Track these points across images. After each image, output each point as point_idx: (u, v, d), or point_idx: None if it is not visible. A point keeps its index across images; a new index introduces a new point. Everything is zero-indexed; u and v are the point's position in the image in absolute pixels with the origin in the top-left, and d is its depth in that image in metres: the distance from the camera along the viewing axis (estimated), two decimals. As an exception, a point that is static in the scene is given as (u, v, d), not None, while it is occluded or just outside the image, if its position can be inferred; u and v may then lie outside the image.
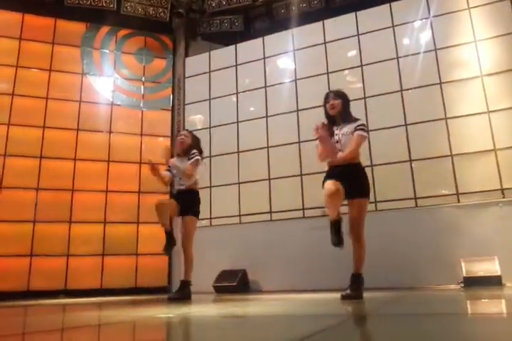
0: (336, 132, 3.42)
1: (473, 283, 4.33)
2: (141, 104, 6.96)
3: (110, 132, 6.66)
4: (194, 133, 4.51)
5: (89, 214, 6.23)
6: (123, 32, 7.17)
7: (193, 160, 4.10)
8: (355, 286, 3.16)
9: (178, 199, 4.14)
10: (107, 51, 7.03)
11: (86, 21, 6.96)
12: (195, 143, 4.33)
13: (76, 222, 6.14)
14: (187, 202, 4.11)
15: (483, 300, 3.18)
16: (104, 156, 6.49)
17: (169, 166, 4.22)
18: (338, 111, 3.43)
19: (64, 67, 6.67)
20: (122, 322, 2.44)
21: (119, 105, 6.85)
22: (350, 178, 3.23)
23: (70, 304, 4.52)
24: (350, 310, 2.69)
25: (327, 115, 3.51)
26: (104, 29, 7.07)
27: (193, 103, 6.93)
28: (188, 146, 4.23)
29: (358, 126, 3.34)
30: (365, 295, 3.17)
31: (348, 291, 3.13)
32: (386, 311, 2.62)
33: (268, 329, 1.93)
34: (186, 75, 7.10)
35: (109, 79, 6.92)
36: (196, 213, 4.15)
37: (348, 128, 3.38)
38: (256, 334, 1.80)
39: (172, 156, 4.51)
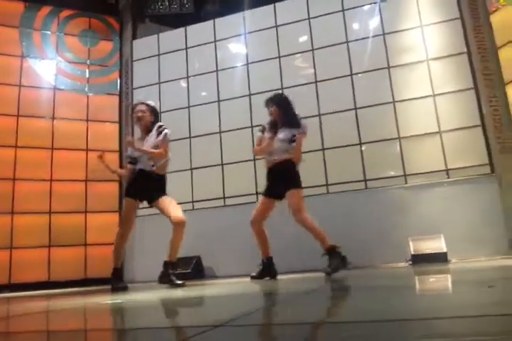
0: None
1: (420, 260, 4.48)
2: (87, 89, 6.65)
3: (53, 118, 6.33)
4: (151, 105, 3.91)
5: (33, 204, 5.92)
6: (66, 12, 6.80)
7: (162, 135, 3.64)
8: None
9: (145, 183, 3.65)
10: (49, 32, 6.64)
11: (24, 0, 6.54)
12: (156, 116, 3.87)
13: (19, 213, 5.83)
14: (158, 187, 3.68)
15: (428, 276, 3.28)
16: (47, 143, 6.17)
17: (130, 157, 3.72)
18: (277, 115, 3.81)
19: (1, 49, 6.25)
20: (66, 310, 2.33)
21: (62, 90, 6.50)
22: (283, 175, 3.72)
23: (14, 297, 4.30)
24: (300, 288, 2.70)
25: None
26: (45, 9, 6.67)
27: (141, 87, 6.69)
28: (150, 123, 3.77)
29: (294, 136, 3.70)
30: (315, 275, 3.20)
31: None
32: (335, 286, 2.65)
33: (219, 308, 1.89)
34: (134, 58, 6.84)
35: (51, 62, 6.55)
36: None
37: (284, 135, 3.71)
38: (206, 311, 1.76)
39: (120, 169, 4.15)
